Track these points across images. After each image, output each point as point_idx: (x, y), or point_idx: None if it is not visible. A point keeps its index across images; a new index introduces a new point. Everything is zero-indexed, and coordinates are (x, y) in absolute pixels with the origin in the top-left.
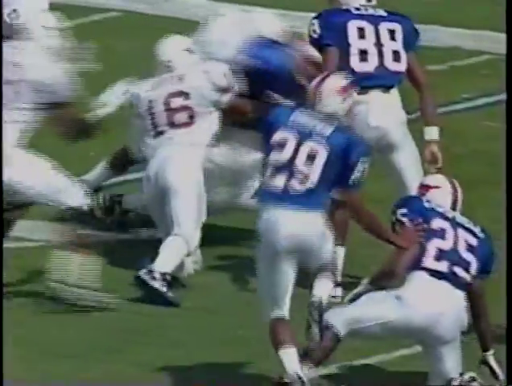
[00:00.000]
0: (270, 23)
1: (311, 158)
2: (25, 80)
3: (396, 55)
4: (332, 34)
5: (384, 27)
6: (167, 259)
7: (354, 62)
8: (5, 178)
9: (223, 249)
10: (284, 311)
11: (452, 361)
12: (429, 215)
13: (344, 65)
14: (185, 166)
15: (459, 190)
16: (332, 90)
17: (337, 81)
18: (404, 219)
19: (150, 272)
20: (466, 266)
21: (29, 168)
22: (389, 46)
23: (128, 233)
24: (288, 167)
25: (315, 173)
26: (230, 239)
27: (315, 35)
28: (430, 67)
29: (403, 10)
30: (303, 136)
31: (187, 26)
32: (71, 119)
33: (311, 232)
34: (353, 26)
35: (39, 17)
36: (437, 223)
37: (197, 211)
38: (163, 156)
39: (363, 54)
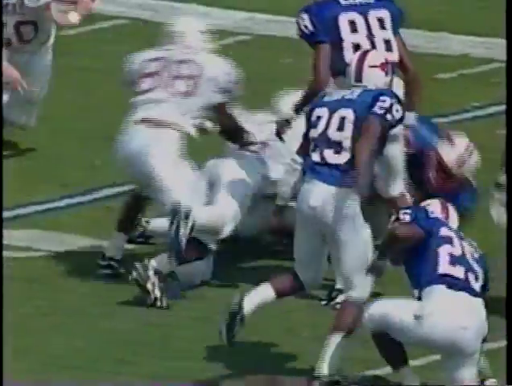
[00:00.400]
0: None
1: (341, 123)
2: (203, 75)
3: (388, 45)
4: (324, 30)
5: (373, 16)
6: (203, 208)
7: (348, 57)
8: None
9: (230, 260)
10: (301, 277)
11: (469, 371)
12: (436, 223)
13: (338, 60)
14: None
15: (450, 208)
16: (375, 65)
17: (378, 57)
18: (406, 217)
19: (188, 212)
20: (476, 275)
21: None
22: (380, 36)
23: (136, 244)
24: (323, 139)
25: (347, 138)
26: (237, 250)
27: (306, 31)
28: (439, 75)
29: (413, 17)
30: (335, 107)
31: None
32: (227, 117)
33: (332, 208)
34: (344, 20)
35: (195, 23)
36: (444, 231)
37: (239, 205)
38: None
39: (356, 48)
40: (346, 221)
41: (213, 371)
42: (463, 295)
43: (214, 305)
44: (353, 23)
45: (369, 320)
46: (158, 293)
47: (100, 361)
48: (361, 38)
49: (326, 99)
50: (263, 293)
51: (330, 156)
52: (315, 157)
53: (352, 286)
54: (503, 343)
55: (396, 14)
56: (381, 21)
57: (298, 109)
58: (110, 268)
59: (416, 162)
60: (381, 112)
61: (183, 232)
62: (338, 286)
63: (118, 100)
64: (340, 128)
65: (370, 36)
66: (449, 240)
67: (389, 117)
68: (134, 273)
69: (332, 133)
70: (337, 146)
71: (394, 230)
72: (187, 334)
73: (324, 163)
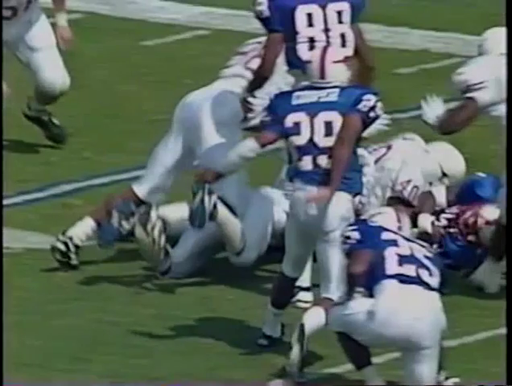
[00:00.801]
0: None
1: (328, 128)
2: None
3: (343, 40)
4: (280, 19)
5: (332, 9)
6: (227, 214)
7: (302, 50)
8: None
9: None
10: (287, 271)
11: (428, 366)
12: (377, 230)
13: (290, 52)
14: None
15: (405, 218)
16: (337, 61)
17: (339, 52)
18: (355, 235)
19: (211, 189)
20: (429, 271)
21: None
22: (336, 30)
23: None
24: (311, 147)
25: None
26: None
27: (262, 16)
28: (399, 70)
29: (373, 12)
30: (313, 111)
31: (150, 29)
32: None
33: (328, 212)
34: (301, 13)
35: None
36: (387, 235)
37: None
38: None
39: (311, 42)
40: (341, 224)
41: (172, 368)
42: (415, 288)
43: (172, 302)
44: (310, 16)
45: (330, 323)
46: (156, 234)
47: (56, 359)
48: (316, 31)
49: (296, 102)
50: (273, 320)
51: (324, 162)
52: (307, 165)
53: (334, 290)
54: (502, 335)
55: (357, 4)
56: (339, 13)
57: (249, 92)
58: (65, 245)
59: (456, 197)
60: (366, 109)
61: (208, 204)
62: (298, 284)
63: (76, 96)
64: (328, 133)
65: (326, 30)
66: (394, 243)
67: (372, 114)
68: (137, 215)
69: (321, 140)
70: (329, 151)
71: (350, 270)
72: (144, 332)
73: (318, 170)
